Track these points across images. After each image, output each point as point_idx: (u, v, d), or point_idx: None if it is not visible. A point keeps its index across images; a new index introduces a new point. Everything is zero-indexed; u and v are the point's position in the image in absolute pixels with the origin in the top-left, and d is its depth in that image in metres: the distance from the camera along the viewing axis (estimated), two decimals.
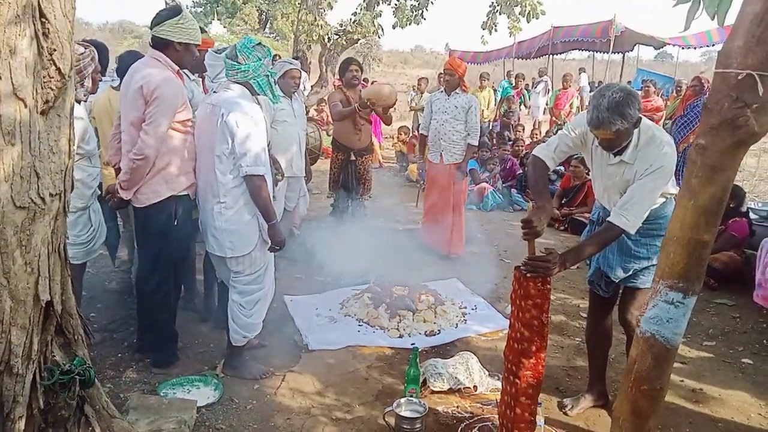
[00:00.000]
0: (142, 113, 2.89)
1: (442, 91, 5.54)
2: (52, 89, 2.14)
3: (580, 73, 15.29)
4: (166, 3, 3.44)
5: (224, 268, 3.16)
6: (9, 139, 2.00)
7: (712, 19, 1.46)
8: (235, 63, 2.92)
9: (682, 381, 3.42)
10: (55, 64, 2.14)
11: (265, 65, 2.96)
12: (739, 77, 1.41)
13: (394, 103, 5.47)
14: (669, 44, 14.58)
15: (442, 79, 5.68)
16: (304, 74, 12.71)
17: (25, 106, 2.04)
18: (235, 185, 2.92)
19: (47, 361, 2.19)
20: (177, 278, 3.33)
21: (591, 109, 2.45)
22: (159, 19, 2.95)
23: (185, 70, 3.63)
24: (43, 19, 2.10)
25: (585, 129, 2.66)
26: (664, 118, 9.80)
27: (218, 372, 3.27)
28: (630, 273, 2.79)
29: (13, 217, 2.02)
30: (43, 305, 2.12)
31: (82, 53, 3.11)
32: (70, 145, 2.25)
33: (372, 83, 5.28)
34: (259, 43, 2.98)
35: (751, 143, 1.59)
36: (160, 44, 2.98)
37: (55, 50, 2.13)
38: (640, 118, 2.49)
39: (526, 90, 13.05)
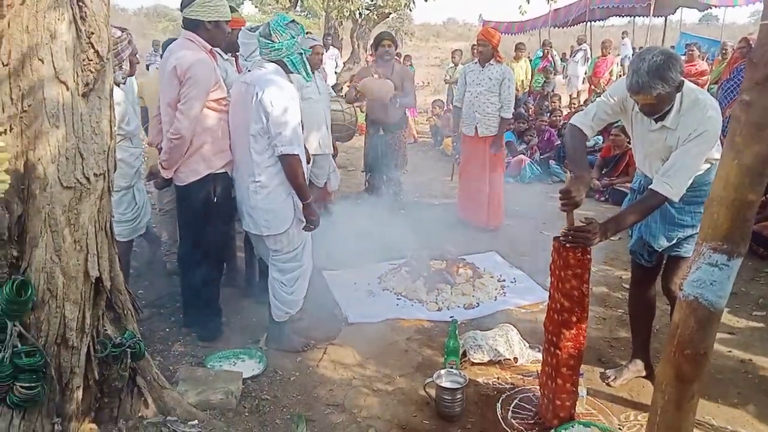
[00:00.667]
0: (177, 94, 2.94)
1: (476, 63, 5.44)
2: (92, 72, 2.19)
3: (623, 38, 14.70)
4: None
5: (263, 246, 3.21)
6: (54, 122, 2.07)
7: None
8: (268, 41, 2.92)
9: (730, 351, 3.34)
10: (93, 47, 2.19)
11: (298, 43, 2.95)
12: None
13: (389, 99, 5.34)
14: (714, 5, 13.90)
15: (476, 51, 5.56)
16: (335, 51, 12.68)
17: (67, 89, 2.10)
18: (270, 164, 2.95)
19: (100, 334, 2.29)
20: (219, 255, 3.40)
21: (631, 74, 2.36)
22: (188, 1, 2.98)
23: (218, 50, 3.67)
24: (81, 3, 2.14)
25: (625, 95, 2.57)
26: (709, 82, 9.41)
27: (262, 345, 3.35)
28: (674, 242, 2.72)
29: (60, 197, 2.10)
30: (93, 281, 2.21)
31: (119, 37, 3.17)
32: (111, 126, 2.32)
33: (375, 77, 5.17)
34: (293, 21, 2.97)
35: None
36: (191, 25, 3.02)
37: (93, 33, 2.18)
38: (683, 82, 2.39)
39: (559, 59, 12.65)
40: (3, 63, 2.01)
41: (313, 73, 4.49)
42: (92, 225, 2.21)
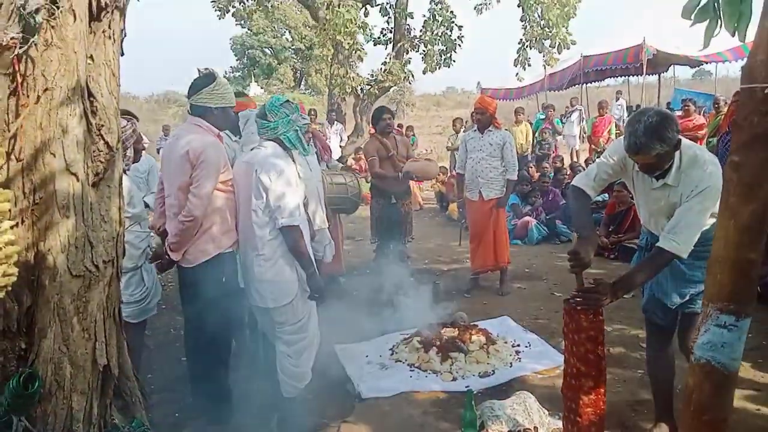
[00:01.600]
0: (189, 177, 3.02)
1: (475, 130, 5.57)
2: (102, 162, 2.28)
3: (617, 99, 15.03)
4: (200, 71, 3.64)
5: (267, 320, 3.20)
6: (64, 212, 2.12)
7: (733, 35, 1.44)
8: (265, 121, 3.06)
9: (758, 410, 3.20)
10: (103, 139, 2.28)
11: (293, 120, 3.08)
12: (766, 91, 1.39)
13: (436, 175, 5.66)
14: (705, 62, 14.31)
15: (474, 118, 5.72)
16: (340, 125, 13.05)
17: (78, 180, 2.17)
18: (272, 237, 3.00)
19: (107, 424, 2.25)
20: (227, 335, 3.36)
21: (628, 135, 2.41)
22: (195, 89, 3.12)
23: (228, 132, 3.80)
24: (92, 98, 2.25)
25: (624, 154, 2.61)
26: (707, 136, 9.55)
27: (273, 428, 3.26)
28: (687, 298, 2.68)
29: (70, 286, 2.13)
30: (101, 369, 2.19)
31: (125, 126, 3.30)
32: (120, 214, 2.38)
33: (424, 159, 5.49)
34: (287, 101, 3.11)
35: None
36: (199, 111, 3.14)
37: (102, 126, 2.28)
38: (680, 140, 2.43)
39: (559, 120, 12.94)
40: (16, 158, 2.09)
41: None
42: (100, 312, 2.23)
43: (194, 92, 3.11)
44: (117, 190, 2.37)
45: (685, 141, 2.50)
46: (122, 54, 2.50)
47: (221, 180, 3.09)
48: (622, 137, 2.55)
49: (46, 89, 2.08)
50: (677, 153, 2.47)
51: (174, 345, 4.43)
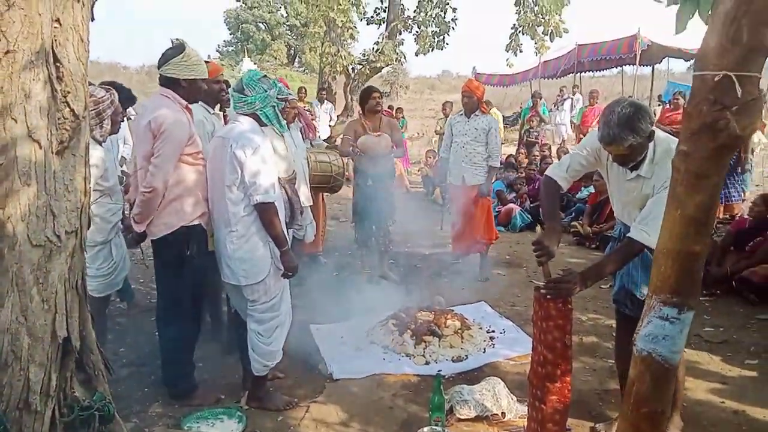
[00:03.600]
0: (151, 147, 2.98)
1: (461, 114, 5.53)
2: (67, 130, 2.21)
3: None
4: (172, 42, 3.58)
5: (239, 297, 3.18)
6: (25, 180, 2.06)
7: (706, 23, 1.40)
8: (242, 95, 3.00)
9: (723, 402, 3.24)
10: (69, 106, 2.21)
11: (270, 96, 3.03)
12: (716, 79, 1.35)
13: (386, 154, 5.43)
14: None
15: (462, 102, 5.67)
16: (329, 104, 12.92)
17: (40, 147, 2.10)
18: (246, 214, 2.96)
19: (67, 397, 2.22)
20: (194, 310, 3.30)
21: (602, 126, 2.40)
22: (164, 59, 3.05)
23: (205, 105, 3.74)
24: (57, 64, 2.18)
25: (598, 145, 2.60)
26: None
27: (242, 404, 3.25)
28: None
29: (29, 255, 2.08)
30: (61, 342, 2.15)
31: (102, 96, 3.24)
32: (86, 184, 2.32)
33: (375, 135, 5.27)
34: (264, 76, 3.06)
35: (736, 147, 1.52)
36: (167, 82, 3.09)
37: (69, 93, 2.21)
38: (653, 132, 2.42)
39: (545, 109, 12.85)
40: None
41: (289, 127, 4.56)
42: (62, 284, 2.18)
43: (163, 63, 3.05)
44: (83, 159, 2.30)
45: (659, 133, 2.49)
46: (92, 19, 2.41)
47: (187, 152, 3.04)
48: (595, 129, 2.54)
49: (7, 51, 2.00)
50: (651, 144, 2.46)
51: (149, 319, 4.40)
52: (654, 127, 2.41)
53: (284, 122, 3.17)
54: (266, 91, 3.01)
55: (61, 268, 2.17)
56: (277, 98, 3.08)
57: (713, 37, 1.34)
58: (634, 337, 1.73)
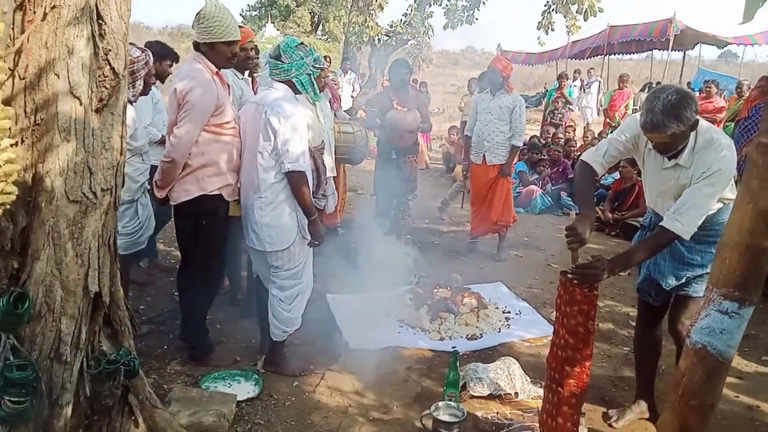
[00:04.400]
0: (176, 116, 2.97)
1: (487, 92, 5.46)
2: (107, 88, 2.21)
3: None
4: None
5: (263, 263, 3.21)
6: (65, 136, 2.08)
7: None
8: (278, 62, 2.98)
9: (737, 397, 3.25)
10: (110, 64, 2.21)
11: (307, 64, 3.00)
12: None
13: (415, 131, 5.41)
14: (733, 43, 13.89)
15: (487, 78, 5.59)
16: (353, 75, 12.81)
17: (81, 104, 2.12)
18: (276, 181, 2.97)
19: (94, 350, 2.27)
20: (210, 275, 3.33)
21: (645, 112, 2.35)
22: (193, 22, 3.01)
23: (233, 70, 3.71)
24: (100, 21, 2.17)
25: (637, 132, 2.56)
26: (725, 120, 9.37)
27: (259, 367, 3.31)
28: (683, 281, 2.67)
29: (66, 211, 2.11)
30: (92, 296, 2.19)
31: (138, 57, 3.23)
32: (122, 142, 2.33)
33: (400, 109, 5.23)
34: (302, 43, 3.03)
35: None
36: (195, 46, 3.06)
37: (110, 50, 2.21)
38: (697, 120, 2.37)
39: (571, 91, 12.61)
40: (20, 76, 2.04)
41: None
42: (95, 240, 2.21)
43: (193, 25, 3.01)
44: (120, 118, 2.31)
45: (702, 122, 2.44)
46: None
47: (217, 122, 3.00)
48: (637, 114, 2.49)
49: (53, 6, 2.00)
50: (693, 134, 2.41)
51: (169, 279, 4.47)
52: (698, 116, 2.36)
53: (318, 91, 3.14)
54: (303, 59, 2.98)
55: (95, 224, 2.20)
56: (313, 66, 3.05)
57: None
58: (689, 328, 1.72)
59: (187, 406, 2.68)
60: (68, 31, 2.06)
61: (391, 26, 11.50)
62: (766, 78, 7.10)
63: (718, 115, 9.57)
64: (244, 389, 3.08)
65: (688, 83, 13.92)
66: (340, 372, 3.34)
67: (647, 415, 2.96)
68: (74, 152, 2.12)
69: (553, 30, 11.22)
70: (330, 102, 5.27)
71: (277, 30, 26.82)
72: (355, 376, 3.30)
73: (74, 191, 2.12)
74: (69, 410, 2.11)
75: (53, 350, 2.09)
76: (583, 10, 10.61)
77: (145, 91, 3.41)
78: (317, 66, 3.06)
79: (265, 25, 27.38)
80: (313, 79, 3.05)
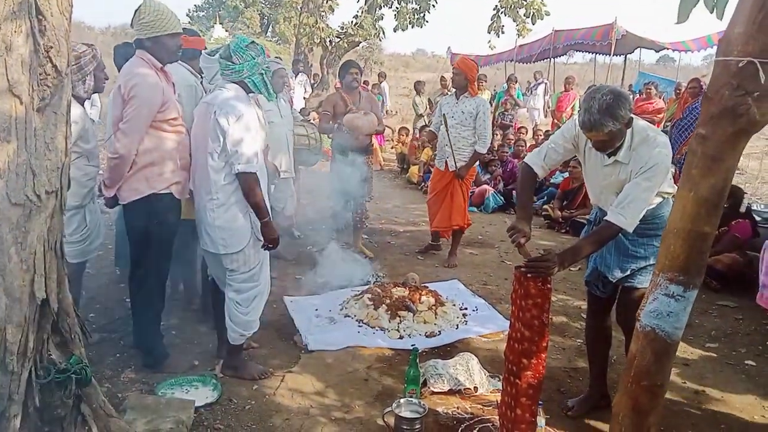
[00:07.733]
0: (121, 112, 2.90)
1: (452, 95, 5.39)
2: (49, 86, 2.13)
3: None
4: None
5: (218, 266, 3.15)
6: (4, 136, 1.99)
7: (711, 11, 1.43)
8: (229, 63, 2.93)
9: (684, 383, 3.39)
10: (51, 62, 2.13)
11: (259, 64, 2.96)
12: (740, 65, 1.39)
13: (372, 134, 5.42)
14: (668, 48, 14.57)
15: (451, 80, 5.53)
16: (305, 77, 12.74)
17: (21, 102, 2.02)
18: (227, 182, 2.92)
19: (43, 359, 2.17)
20: (161, 277, 3.26)
21: (582, 112, 2.46)
22: (133, 20, 2.95)
23: (189, 68, 3.64)
24: (40, 17, 2.09)
25: (576, 132, 2.68)
26: (664, 120, 9.80)
27: (217, 372, 3.25)
28: (628, 273, 2.77)
29: (8, 214, 2.01)
30: (39, 303, 2.10)
31: (83, 51, 3.11)
32: (66, 143, 2.24)
33: (362, 112, 5.22)
34: (252, 42, 2.97)
35: (753, 132, 1.56)
36: (137, 44, 2.99)
37: (51, 47, 2.12)
38: (632, 119, 2.50)
39: (520, 93, 12.94)
40: None
41: (276, 96, 4.48)
42: (41, 244, 2.12)
43: (132, 25, 2.95)
44: (64, 118, 2.22)
45: (637, 120, 2.57)
46: None
47: (162, 119, 2.95)
48: (573, 117, 2.60)
49: None
50: (629, 131, 2.53)
51: (118, 286, 4.33)
52: (632, 115, 2.48)
53: (272, 90, 3.10)
54: (254, 59, 2.93)
55: (40, 228, 2.11)
56: (266, 66, 3.01)
57: (740, 23, 1.37)
58: (638, 313, 1.79)
59: (143, 413, 2.60)
60: (5, 26, 1.96)
61: (342, 28, 11.48)
62: (696, 80, 7.49)
63: (657, 115, 10.00)
64: (203, 394, 3.01)
65: (630, 86, 14.51)
66: (300, 374, 3.31)
67: (602, 403, 3.05)
68: (15, 153, 2.02)
69: (503, 33, 11.49)
70: None
71: (226, 31, 26.36)
72: (316, 377, 3.28)
73: (17, 194, 2.03)
74: (17, 422, 2.01)
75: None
76: (531, 14, 10.88)
77: (97, 87, 3.28)
78: (275, 68, 3.03)
79: (213, 26, 26.87)
80: (266, 79, 3.00)
